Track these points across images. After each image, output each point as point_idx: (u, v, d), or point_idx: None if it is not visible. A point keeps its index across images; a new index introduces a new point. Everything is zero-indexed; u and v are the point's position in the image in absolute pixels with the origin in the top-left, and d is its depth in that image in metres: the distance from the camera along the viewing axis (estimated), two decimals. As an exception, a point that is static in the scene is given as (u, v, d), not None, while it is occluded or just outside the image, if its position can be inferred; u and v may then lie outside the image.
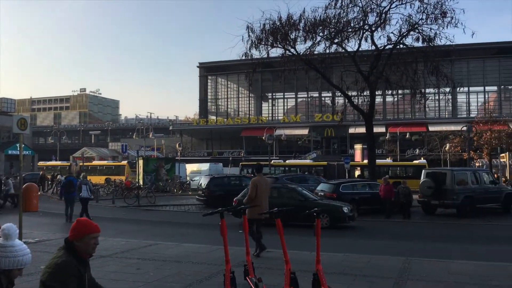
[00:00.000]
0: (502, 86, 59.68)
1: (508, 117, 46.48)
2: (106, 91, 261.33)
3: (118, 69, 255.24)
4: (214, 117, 68.78)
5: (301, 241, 10.96)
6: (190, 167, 42.79)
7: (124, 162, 48.38)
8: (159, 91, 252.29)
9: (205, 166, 41.61)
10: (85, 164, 45.95)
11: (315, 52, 24.94)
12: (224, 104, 70.65)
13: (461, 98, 59.34)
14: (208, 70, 69.44)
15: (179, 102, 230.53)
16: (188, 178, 39.22)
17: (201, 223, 15.33)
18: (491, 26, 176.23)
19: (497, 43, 57.81)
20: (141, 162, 35.71)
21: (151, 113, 79.02)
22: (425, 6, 22.32)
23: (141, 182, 32.86)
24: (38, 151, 61.45)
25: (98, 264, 8.34)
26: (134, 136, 59.22)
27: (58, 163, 54.29)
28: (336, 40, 24.06)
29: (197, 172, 39.82)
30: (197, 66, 70.23)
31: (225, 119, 66.10)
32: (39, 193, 23.40)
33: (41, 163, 51.38)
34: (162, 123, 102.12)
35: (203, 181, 24.25)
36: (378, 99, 43.23)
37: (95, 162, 54.08)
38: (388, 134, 50.94)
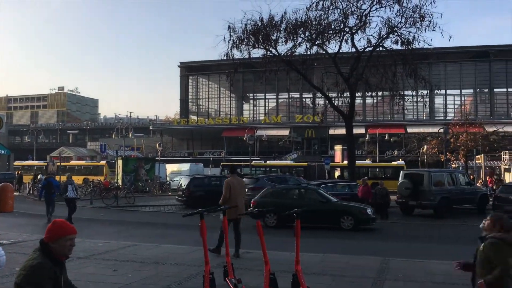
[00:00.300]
0: (478, 89, 61.03)
1: (483, 120, 47.54)
2: (85, 89, 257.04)
3: (98, 67, 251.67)
4: (195, 117, 68.43)
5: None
6: (170, 167, 42.48)
7: (103, 162, 47.72)
8: (139, 91, 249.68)
9: (185, 167, 41.37)
10: (62, 164, 45.11)
11: (296, 53, 25.09)
12: (205, 104, 70.37)
13: (439, 100, 60.44)
14: (189, 70, 69.08)
15: (159, 102, 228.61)
16: (168, 179, 38.93)
17: (180, 223, 15.23)
18: (467, 31, 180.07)
19: (473, 47, 59.10)
20: (120, 162, 35.29)
21: (131, 112, 78.02)
22: (404, 9, 22.68)
23: (120, 183, 32.46)
24: (14, 150, 60.07)
25: (75, 266, 8.20)
26: (113, 136, 58.35)
27: (35, 162, 53.18)
28: (317, 42, 24.23)
29: (177, 172, 39.56)
30: (178, 66, 69.79)
31: (206, 119, 65.85)
32: (15, 193, 22.84)
33: (17, 162, 50.23)
34: (142, 122, 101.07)
35: (183, 182, 24.10)
36: (358, 101, 43.68)
37: (73, 162, 53.20)
38: (367, 136, 51.59)
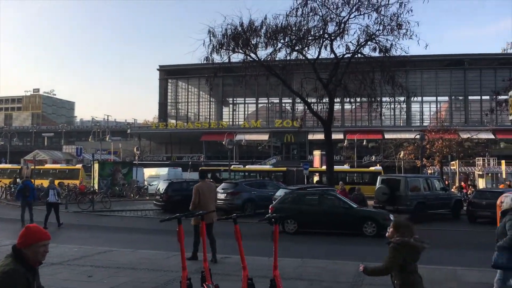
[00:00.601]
0: (453, 97, 62.43)
1: (458, 127, 48.63)
2: (61, 92, 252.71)
3: (75, 69, 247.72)
4: (173, 121, 67.94)
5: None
6: (148, 172, 42.02)
7: (79, 166, 46.83)
8: (117, 94, 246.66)
9: (163, 171, 41.00)
10: (37, 167, 44.11)
11: (276, 59, 25.19)
12: (184, 108, 69.98)
13: (415, 107, 61.57)
14: (169, 73, 68.62)
15: (138, 105, 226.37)
16: (146, 183, 38.48)
17: (158, 229, 15.07)
18: (443, 40, 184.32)
19: (449, 55, 60.51)
20: (96, 166, 34.73)
21: (108, 115, 76.91)
22: (382, 17, 23.02)
23: (96, 187, 31.94)
24: (-14, 153, 58.53)
25: (49, 272, 8.01)
26: (90, 139, 57.54)
27: (8, 166, 51.85)
28: (296, 48, 24.38)
29: (155, 176, 39.17)
30: (157, 69, 69.25)
31: (185, 123, 65.46)
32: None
33: (-11, 165, 48.97)
34: (120, 126, 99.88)
35: (161, 186, 23.87)
36: (337, 107, 44.05)
37: (48, 166, 52.02)
38: (346, 141, 52.12)
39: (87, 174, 40.48)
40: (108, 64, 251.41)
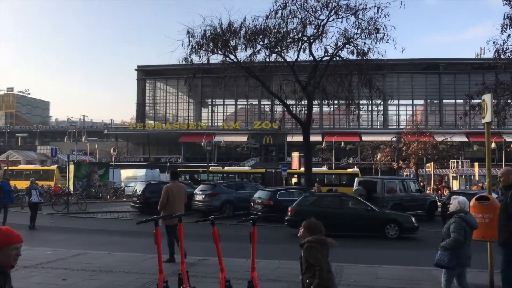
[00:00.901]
0: (428, 100, 63.66)
1: (433, 129, 49.60)
2: (35, 91, 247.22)
3: (51, 69, 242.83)
4: (151, 122, 67.24)
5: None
6: (125, 173, 41.49)
7: (54, 167, 45.94)
8: (94, 94, 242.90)
9: (141, 172, 40.53)
10: (10, 168, 43.10)
11: (255, 60, 25.24)
12: (163, 109, 69.35)
13: (392, 110, 62.52)
14: (147, 74, 67.92)
15: (115, 106, 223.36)
16: (122, 184, 37.97)
17: (134, 231, 14.88)
18: (419, 44, 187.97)
19: (425, 60, 61.71)
20: (72, 167, 34.09)
21: (84, 115, 75.72)
22: (360, 21, 23.32)
23: (71, 188, 31.35)
24: (-43, 153, 56.78)
25: (21, 275, 7.82)
26: (65, 140, 56.60)
27: (-20, 166, 50.45)
28: (275, 50, 24.49)
29: (132, 178, 38.69)
30: (135, 69, 68.47)
31: (163, 124, 64.88)
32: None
33: (-40, 166, 47.51)
34: (96, 126, 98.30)
35: (138, 187, 23.59)
36: (315, 109, 44.31)
37: (22, 166, 50.86)
38: (324, 143, 52.56)
39: (62, 175, 39.75)
40: (86, 64, 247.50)
